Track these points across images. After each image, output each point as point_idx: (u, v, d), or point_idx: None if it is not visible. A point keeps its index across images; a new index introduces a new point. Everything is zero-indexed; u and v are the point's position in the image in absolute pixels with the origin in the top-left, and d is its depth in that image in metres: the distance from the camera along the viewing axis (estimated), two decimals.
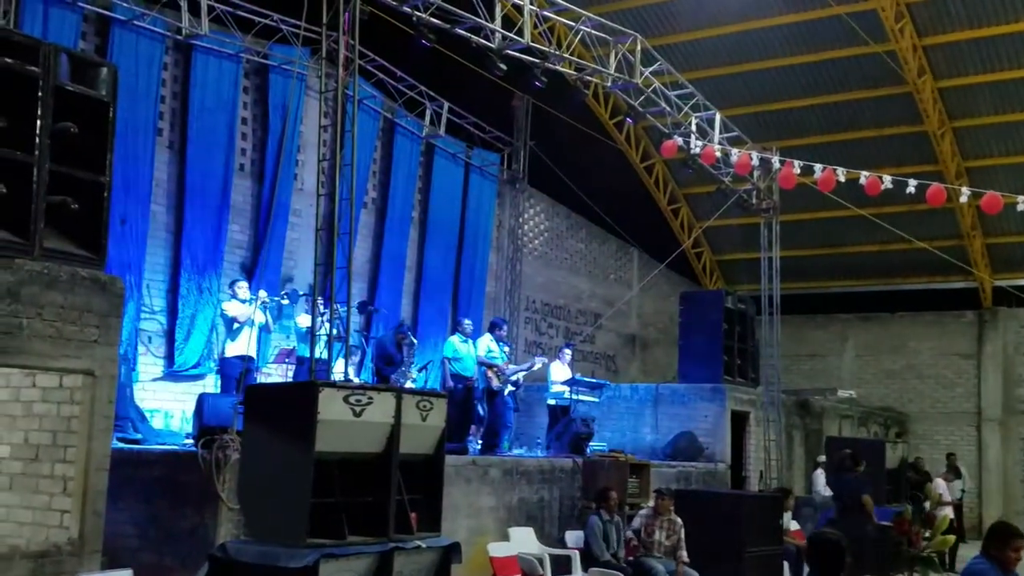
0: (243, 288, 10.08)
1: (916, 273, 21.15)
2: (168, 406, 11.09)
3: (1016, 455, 20.73)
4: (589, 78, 12.75)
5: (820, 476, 15.66)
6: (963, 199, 10.92)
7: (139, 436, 9.46)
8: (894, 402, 21.32)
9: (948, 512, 14.88)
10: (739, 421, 15.30)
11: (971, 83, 17.48)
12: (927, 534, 10.92)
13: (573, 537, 9.78)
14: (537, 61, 11.78)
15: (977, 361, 21.25)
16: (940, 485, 14.98)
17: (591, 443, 12.87)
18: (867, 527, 11.33)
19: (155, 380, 11.37)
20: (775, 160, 11.84)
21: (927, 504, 12.29)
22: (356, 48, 8.94)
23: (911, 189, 10.63)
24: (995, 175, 17.22)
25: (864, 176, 10.93)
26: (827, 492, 14.68)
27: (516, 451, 12.84)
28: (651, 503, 10.14)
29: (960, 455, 18.90)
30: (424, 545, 6.35)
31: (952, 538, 12.05)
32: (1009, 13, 16.07)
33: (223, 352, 10.11)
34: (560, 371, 13.69)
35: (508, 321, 14.62)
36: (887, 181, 10.73)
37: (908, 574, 10.63)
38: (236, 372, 9.69)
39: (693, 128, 13.54)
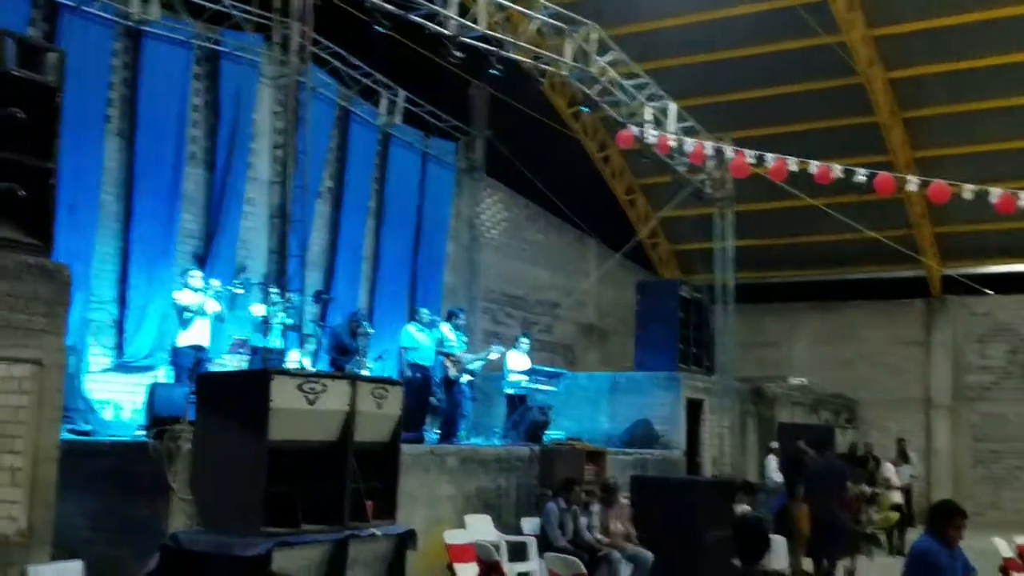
0: (195, 277, 9.94)
1: (867, 262, 21.52)
2: (119, 397, 10.92)
3: (965, 441, 21.21)
4: (545, 67, 12.77)
5: (772, 462, 15.86)
6: (911, 188, 11.10)
7: (89, 427, 9.31)
8: (845, 389, 21.68)
9: (896, 495, 15.24)
10: (694, 409, 15.48)
11: (921, 74, 17.79)
12: (874, 512, 11.19)
13: (530, 524, 9.83)
14: (493, 49, 11.76)
15: (926, 348, 21.71)
16: (889, 470, 15.30)
17: (548, 432, 12.94)
18: (838, 512, 11.62)
19: (105, 371, 11.20)
20: (728, 150, 11.95)
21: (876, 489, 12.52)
22: (309, 35, 8.84)
23: (861, 178, 10.80)
24: (944, 165, 17.49)
25: (815, 166, 11.07)
26: (779, 478, 14.89)
27: (474, 440, 12.86)
28: (599, 495, 10.25)
29: (909, 441, 19.29)
30: (379, 533, 6.34)
31: (896, 515, 12.35)
32: (958, 4, 16.37)
33: (175, 342, 9.97)
34: (518, 361, 13.72)
35: (466, 311, 14.60)
36: (837, 170, 10.89)
37: (854, 555, 10.84)
38: (189, 362, 9.57)
39: (648, 118, 13.62)
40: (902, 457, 17.36)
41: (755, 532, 4.90)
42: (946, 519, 5.62)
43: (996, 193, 10.37)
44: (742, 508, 9.80)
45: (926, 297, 21.86)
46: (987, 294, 19.74)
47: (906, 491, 16.20)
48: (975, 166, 17.23)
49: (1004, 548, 10.31)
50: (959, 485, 20.06)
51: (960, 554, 5.68)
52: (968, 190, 10.51)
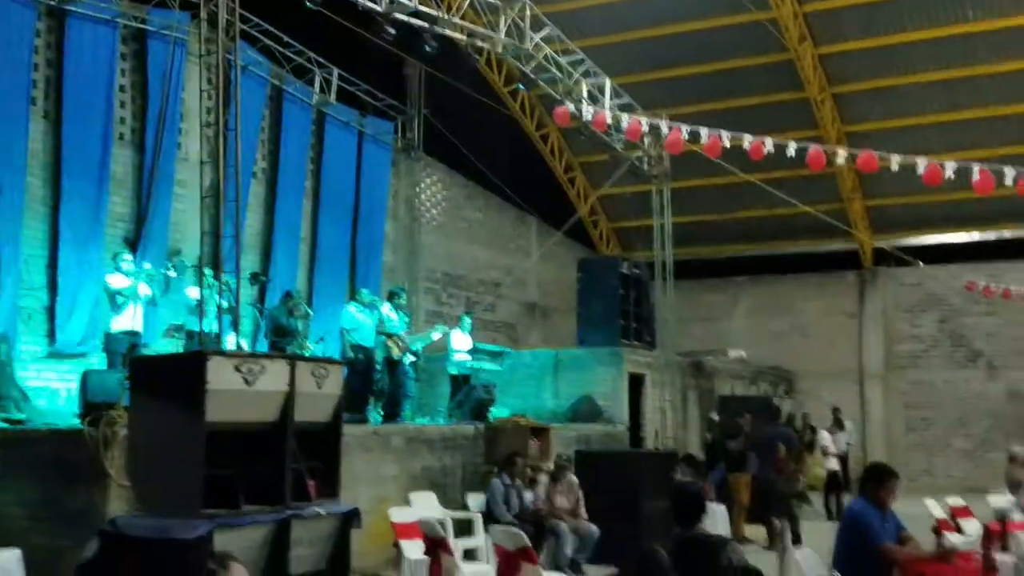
0: (127, 261, 9.73)
1: (802, 236, 21.90)
2: (53, 385, 10.69)
3: (897, 409, 21.79)
4: (480, 44, 12.71)
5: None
6: (841, 161, 11.31)
7: (23, 416, 9.09)
8: (783, 361, 22.08)
9: (832, 462, 15.63)
10: (636, 383, 15.66)
11: (850, 49, 18.10)
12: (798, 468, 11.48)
13: (476, 500, 9.88)
14: (426, 25, 11.66)
15: (859, 319, 22.21)
16: (826, 438, 15.66)
17: (493, 410, 12.99)
18: (774, 476, 11.94)
19: (38, 359, 10.93)
20: (664, 126, 12.03)
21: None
22: (236, 10, 8.67)
23: (791, 152, 10.96)
24: (874, 139, 17.85)
25: (748, 141, 11.21)
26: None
27: (419, 420, 12.85)
28: (549, 467, 10.33)
29: (845, 410, 19.75)
30: (323, 512, 6.30)
31: (822, 473, 12.73)
32: None
33: (108, 328, 9.76)
34: (461, 340, 13.74)
35: (407, 291, 14.56)
36: (769, 145, 11.04)
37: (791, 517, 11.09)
38: (122, 348, 9.38)
39: (584, 95, 13.65)
40: (837, 425, 17.76)
41: (691, 497, 4.98)
42: (878, 481, 5.78)
43: (923, 164, 10.60)
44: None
45: (858, 269, 22.35)
46: (917, 265, 20.24)
47: (842, 458, 16.60)
48: (904, 139, 17.58)
49: (936, 510, 10.64)
50: (893, 452, 20.59)
51: (892, 515, 5.84)
52: (895, 161, 10.72)
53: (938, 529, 9.58)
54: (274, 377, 6.04)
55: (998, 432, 20.11)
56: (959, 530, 9.42)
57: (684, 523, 4.91)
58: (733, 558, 4.46)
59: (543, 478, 10.13)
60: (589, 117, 12.59)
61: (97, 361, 10.66)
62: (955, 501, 10.78)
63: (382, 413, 12.17)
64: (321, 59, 14.87)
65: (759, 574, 3.23)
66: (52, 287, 11.21)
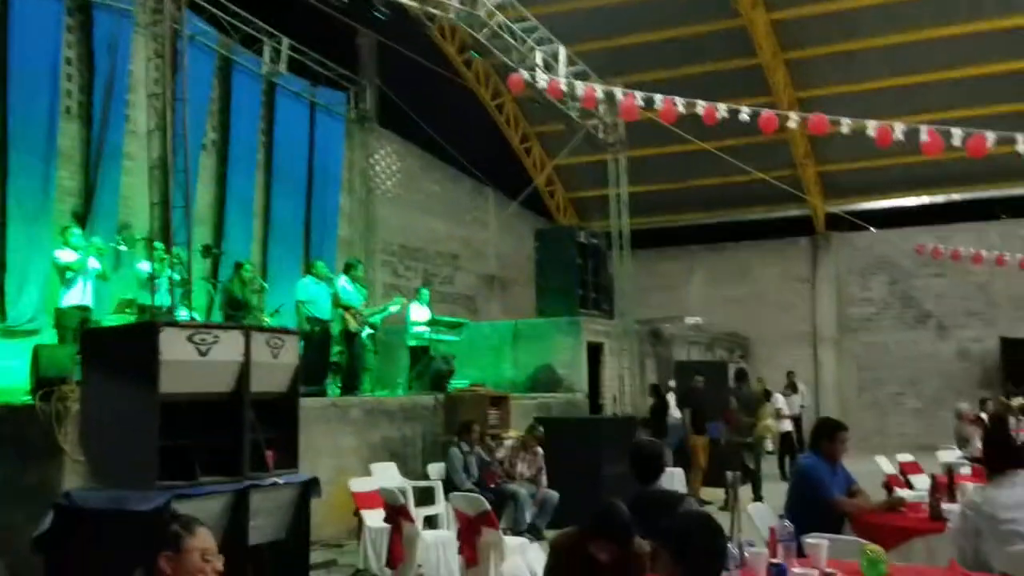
0: (76, 235, 9.55)
1: (756, 203, 22.15)
2: (4, 363, 10.48)
3: (850, 371, 22.22)
4: (432, 11, 12.58)
5: (671, 400, 16.32)
6: (793, 124, 11.42)
7: None
8: (739, 327, 22.39)
9: (787, 424, 15.92)
10: (595, 352, 15.77)
11: (802, 15, 18.22)
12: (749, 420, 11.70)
13: (436, 469, 9.91)
14: None
15: (812, 284, 22.55)
16: (780, 400, 15.93)
17: (453, 381, 13.01)
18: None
19: None
20: (619, 92, 12.04)
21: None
22: None
23: (744, 116, 11.04)
24: (826, 104, 17.92)
25: (701, 106, 11.27)
26: (678, 415, 15.36)
27: (378, 393, 12.83)
28: (512, 435, 10.40)
29: (799, 373, 20.09)
30: (281, 482, 6.30)
31: (773, 424, 13.00)
32: None
33: (59, 303, 9.60)
34: (419, 312, 13.71)
35: (363, 263, 14.48)
36: (722, 110, 11.10)
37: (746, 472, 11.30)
38: (73, 323, 9.23)
39: (539, 62, 13.60)
40: (791, 388, 18.10)
41: (649, 454, 5.07)
42: (828, 435, 5.90)
43: (873, 126, 10.74)
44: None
45: (811, 235, 22.66)
46: (868, 229, 20.58)
47: (796, 420, 16.93)
48: (855, 104, 17.70)
49: (887, 466, 10.89)
50: (846, 413, 20.97)
51: (842, 469, 5.97)
52: (846, 124, 10.86)
53: (888, 484, 9.84)
54: (228, 347, 6.00)
55: (948, 391, 20.59)
56: (909, 485, 9.65)
57: (643, 480, 4.99)
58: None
59: (508, 442, 10.20)
60: (544, 85, 12.55)
61: (48, 337, 10.49)
62: (905, 457, 11.05)
63: (340, 387, 12.13)
64: (271, 29, 14.63)
65: (713, 523, 3.29)
66: (1, 264, 10.98)
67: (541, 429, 10.13)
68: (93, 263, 9.51)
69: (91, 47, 12.06)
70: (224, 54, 14.14)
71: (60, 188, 11.57)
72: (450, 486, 9.34)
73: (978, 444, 10.70)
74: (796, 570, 3.70)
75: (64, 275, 9.40)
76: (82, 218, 11.50)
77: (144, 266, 9.84)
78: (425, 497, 9.50)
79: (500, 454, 9.99)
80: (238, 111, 14.29)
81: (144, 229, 11.11)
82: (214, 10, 13.67)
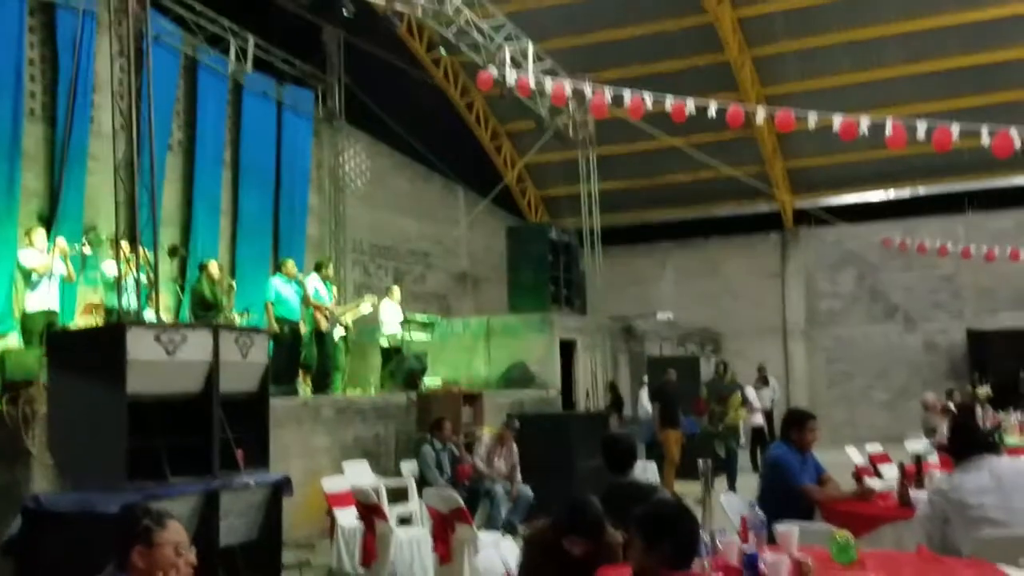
0: (40, 236, 9.43)
1: (725, 199, 22.31)
2: None
3: (819, 364, 22.42)
4: (399, 8, 12.54)
5: (644, 394, 16.41)
6: (759, 119, 11.52)
7: None
8: (710, 322, 22.51)
9: (758, 417, 16.05)
10: (567, 348, 15.80)
11: (767, 11, 18.33)
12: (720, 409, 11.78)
13: (408, 467, 9.89)
14: None
15: (782, 279, 22.73)
16: (751, 394, 16.03)
17: (425, 379, 12.99)
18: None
19: None
20: (587, 89, 12.08)
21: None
22: None
23: (712, 112, 11.12)
24: (793, 100, 18.12)
25: (670, 102, 11.33)
26: (651, 409, 15.45)
27: (350, 392, 12.78)
28: (486, 432, 10.38)
29: (770, 367, 20.23)
30: (252, 482, 6.27)
31: (744, 412, 13.11)
32: None
33: (23, 306, 9.47)
34: (391, 311, 13.67)
35: (334, 262, 14.41)
36: (690, 106, 11.17)
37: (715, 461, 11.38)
38: (39, 326, 9.11)
39: (507, 59, 13.61)
40: (762, 382, 18.22)
41: (622, 445, 5.09)
42: (797, 423, 5.96)
43: (838, 120, 10.86)
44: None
45: (780, 230, 22.84)
46: (836, 224, 20.77)
47: (767, 413, 17.05)
48: (821, 100, 17.89)
49: (857, 457, 11.00)
50: (816, 406, 21.11)
51: (812, 458, 6.03)
52: (812, 118, 10.97)
53: (857, 474, 9.94)
54: (196, 347, 5.97)
55: (916, 382, 20.84)
56: (878, 475, 9.75)
57: (615, 470, 5.01)
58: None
59: (485, 439, 10.17)
60: (512, 82, 12.56)
61: (14, 341, 10.35)
62: (874, 448, 11.16)
63: (311, 387, 12.07)
64: (236, 27, 14.51)
65: (686, 510, 3.31)
66: None
67: (517, 423, 10.13)
68: (59, 266, 9.39)
69: (55, 47, 11.90)
70: (189, 54, 14.00)
71: (25, 189, 11.41)
72: (423, 484, 9.32)
73: (945, 433, 10.84)
74: (767, 556, 3.72)
75: (29, 278, 9.28)
76: (47, 220, 11.34)
77: (110, 267, 9.74)
78: (400, 496, 9.46)
79: (480, 451, 9.94)
80: (204, 110, 14.16)
81: (109, 230, 11.00)
82: (179, 9, 13.56)
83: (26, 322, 9.36)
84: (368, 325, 14.17)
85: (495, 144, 21.93)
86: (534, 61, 14.29)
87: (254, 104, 15.18)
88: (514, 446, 9.99)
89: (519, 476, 9.85)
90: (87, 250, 10.08)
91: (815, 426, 5.95)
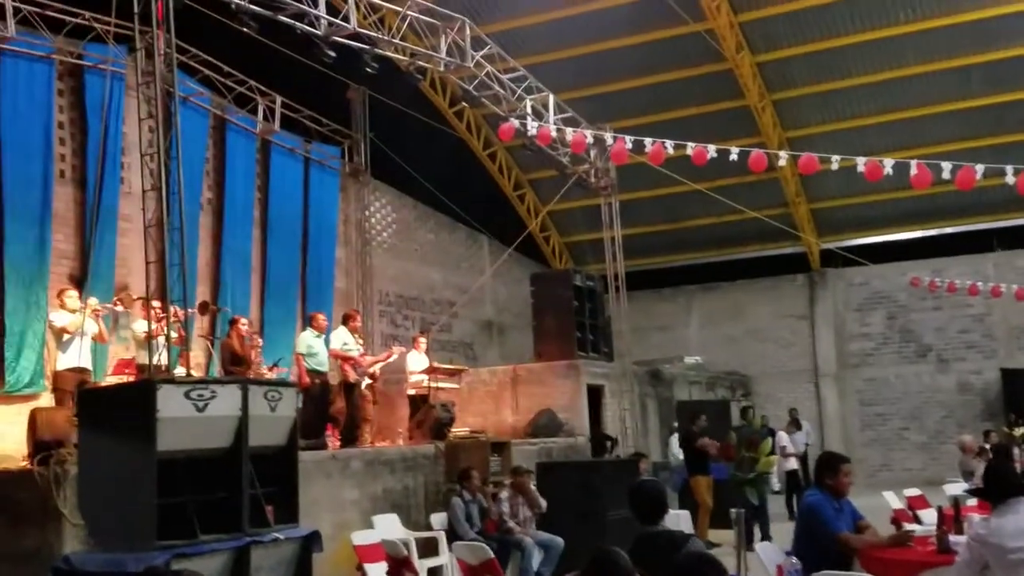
0: (72, 297, 9.56)
1: (750, 242, 22.28)
2: (1, 428, 10.44)
3: (852, 406, 22.14)
4: (422, 64, 12.77)
5: (675, 441, 16.26)
6: (782, 163, 11.53)
7: None
8: (739, 365, 22.36)
9: (792, 462, 15.83)
10: (595, 394, 15.70)
11: (786, 56, 18.46)
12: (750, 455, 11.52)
13: (438, 519, 9.83)
14: (367, 47, 11.69)
15: (810, 321, 22.56)
16: (783, 438, 15.84)
17: (453, 428, 12.94)
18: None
19: None
20: (608, 136, 12.17)
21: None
22: (173, 41, 8.62)
23: (733, 156, 11.15)
24: (815, 143, 18.22)
25: (691, 147, 11.38)
26: (682, 456, 15.27)
27: (378, 444, 12.75)
28: (508, 482, 10.31)
29: (802, 411, 20.00)
30: (282, 537, 6.26)
31: (775, 458, 12.83)
32: None
33: (55, 366, 9.58)
34: (418, 360, 13.69)
35: (361, 314, 14.48)
36: (711, 151, 11.21)
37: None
38: (71, 385, 9.20)
39: (528, 110, 13.76)
40: (794, 426, 18.02)
41: (651, 494, 5.01)
42: (831, 468, 5.87)
43: (862, 162, 10.84)
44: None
45: (807, 272, 22.72)
46: (863, 264, 20.65)
47: (801, 458, 16.82)
48: (844, 141, 17.98)
49: (894, 501, 10.82)
50: (850, 449, 20.85)
51: (848, 503, 5.93)
52: (835, 161, 10.97)
53: (895, 519, 9.78)
54: (226, 402, 6.00)
55: (951, 423, 20.54)
56: (916, 520, 9.57)
57: (645, 520, 4.93)
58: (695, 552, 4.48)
59: (503, 495, 10.10)
60: (534, 132, 12.69)
61: (45, 401, 10.46)
62: (911, 492, 10.98)
63: (340, 438, 12.06)
64: (263, 87, 14.82)
65: (716, 563, 3.26)
66: None
67: (524, 466, 10.06)
68: (90, 325, 9.51)
69: (84, 110, 12.19)
70: (218, 114, 14.29)
71: (56, 251, 11.63)
72: (453, 536, 9.26)
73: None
74: None
75: (61, 338, 9.39)
76: (79, 280, 11.53)
77: (141, 326, 9.85)
78: (430, 548, 9.40)
79: (504, 508, 9.85)
80: (233, 169, 14.40)
81: (140, 289, 11.15)
82: (206, 71, 13.86)
83: (58, 381, 9.45)
84: (395, 375, 14.18)
85: (518, 193, 22.09)
86: (555, 111, 14.44)
87: (282, 162, 15.43)
88: (532, 488, 9.90)
89: (543, 503, 9.77)
90: (119, 309, 10.20)
91: (849, 470, 5.86)
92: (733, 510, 5.43)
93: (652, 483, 5.23)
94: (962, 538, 5.28)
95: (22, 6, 11.34)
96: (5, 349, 10.99)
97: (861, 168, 11.04)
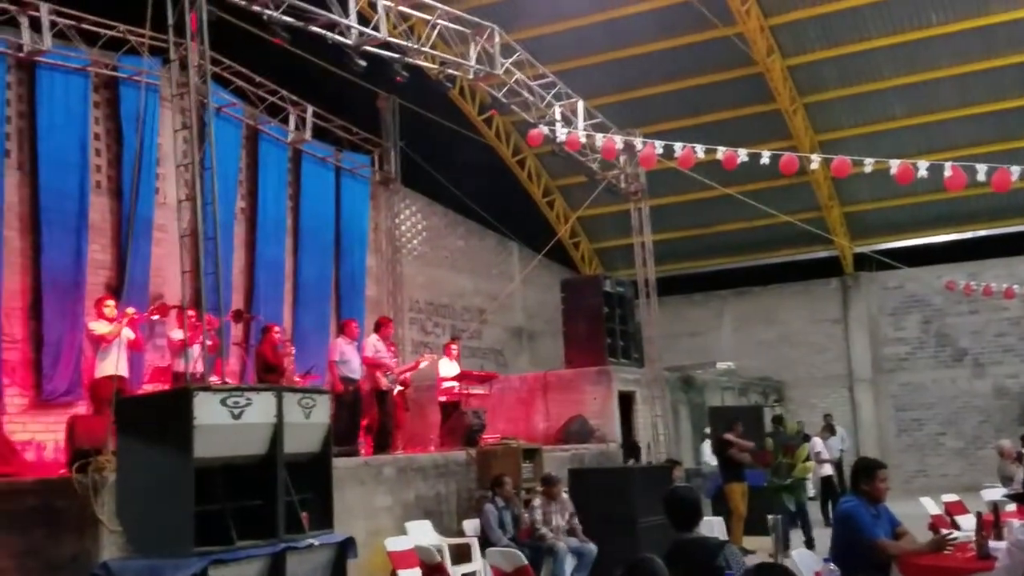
0: (109, 306, 9.69)
1: (782, 246, 22.11)
2: (40, 437, 10.60)
3: (887, 412, 21.87)
4: (452, 72, 12.82)
5: (707, 447, 16.16)
6: (814, 166, 11.44)
7: (11, 470, 9.00)
8: (771, 371, 22.18)
9: (827, 468, 15.67)
10: (626, 401, 15.65)
11: (817, 59, 18.33)
12: (787, 461, 11.44)
13: (471, 526, 9.84)
14: (397, 56, 11.77)
15: (844, 325, 22.33)
16: (818, 443, 15.69)
17: (484, 435, 12.96)
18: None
19: (24, 411, 10.86)
20: (637, 141, 12.15)
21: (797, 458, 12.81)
22: (207, 52, 8.73)
23: (765, 160, 11.07)
24: (847, 146, 18.03)
25: (721, 152, 11.32)
26: (714, 462, 15.17)
27: (410, 451, 12.80)
28: (540, 489, 10.30)
29: (836, 416, 19.80)
30: (317, 543, 6.31)
31: (812, 464, 12.72)
32: None
33: (93, 374, 9.71)
34: (449, 367, 13.73)
35: (392, 321, 14.55)
36: (742, 155, 11.15)
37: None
38: (108, 393, 9.31)
39: (557, 116, 13.77)
40: (828, 431, 17.85)
41: (687, 501, 4.99)
42: (868, 474, 5.81)
43: (895, 164, 10.74)
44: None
45: (840, 275, 22.51)
46: (897, 268, 20.43)
47: (837, 464, 16.64)
48: (877, 144, 17.81)
49: (932, 507, 10.69)
50: (886, 455, 20.60)
51: (885, 509, 5.86)
52: (868, 164, 10.87)
53: (933, 526, 9.66)
54: (261, 409, 6.06)
55: (988, 428, 20.24)
56: (955, 525, 9.45)
57: (680, 527, 4.89)
58: (730, 560, 4.46)
59: (536, 502, 10.10)
60: (563, 138, 12.69)
61: (83, 409, 10.61)
62: (949, 498, 10.84)
63: (373, 445, 12.12)
64: (295, 97, 14.97)
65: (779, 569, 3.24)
66: (36, 339, 11.15)
67: (553, 474, 10.04)
68: (127, 333, 9.64)
69: (119, 122, 12.37)
70: (250, 124, 14.45)
71: (92, 261, 11.79)
72: (486, 542, 9.26)
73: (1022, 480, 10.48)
74: None
75: (98, 346, 9.52)
76: (115, 289, 11.68)
77: (176, 334, 9.97)
78: (463, 555, 9.41)
79: (537, 515, 9.82)
80: (266, 178, 14.55)
81: (175, 298, 11.30)
82: (239, 82, 14.02)
83: (95, 390, 9.57)
84: (426, 382, 14.22)
85: (547, 199, 22.09)
86: (584, 117, 14.43)
87: (313, 171, 15.56)
88: (564, 495, 9.89)
89: (578, 524, 9.74)
90: (155, 317, 10.33)
91: (886, 475, 5.80)
92: (770, 516, 5.38)
93: (687, 489, 5.20)
94: (1002, 544, 5.20)
95: (58, 19, 11.55)
96: (43, 358, 11.15)
97: (895, 171, 10.94)
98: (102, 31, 12.09)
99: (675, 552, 4.53)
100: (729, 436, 12.35)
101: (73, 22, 11.75)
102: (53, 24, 11.49)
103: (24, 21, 11.21)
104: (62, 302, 11.29)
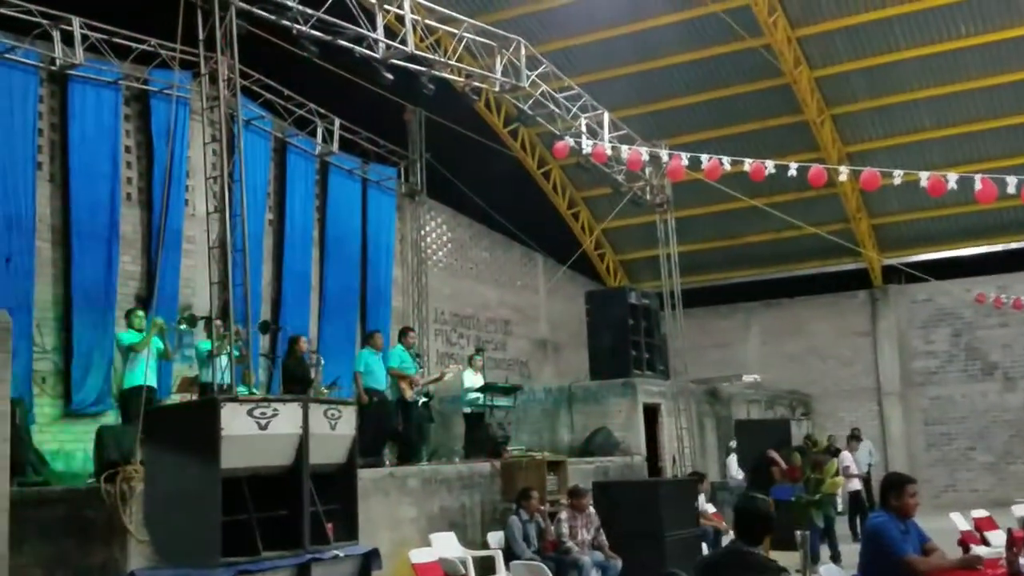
0: (139, 316, 9.80)
1: (809, 258, 21.94)
2: (69, 446, 10.72)
3: (917, 426, 21.61)
4: (477, 84, 12.88)
5: (733, 461, 16.03)
6: (842, 178, 11.35)
7: (41, 479, 9.10)
8: (799, 383, 21.97)
9: (855, 483, 15.49)
10: (651, 413, 15.58)
11: (844, 70, 18.23)
12: (816, 476, 11.30)
13: (495, 538, 9.82)
14: (423, 69, 11.85)
15: (873, 338, 22.11)
16: (847, 458, 15.51)
17: (509, 447, 12.94)
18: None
19: (54, 421, 10.99)
20: (664, 153, 12.13)
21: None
22: (236, 66, 8.83)
23: (792, 172, 10.99)
24: (876, 157, 17.91)
25: (748, 163, 11.26)
26: (740, 476, 15.06)
27: (434, 462, 12.81)
28: (565, 501, 10.25)
29: (865, 430, 19.58)
30: (342, 554, 6.33)
31: (841, 479, 12.58)
32: (873, 0, 16.85)
33: (122, 384, 9.81)
34: (473, 378, 13.73)
35: (417, 332, 14.61)
36: (770, 166, 11.07)
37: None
38: (137, 403, 9.39)
39: (583, 128, 13.78)
40: (855, 440, 17.65)
41: (756, 513, 4.76)
42: (897, 489, 5.73)
43: (925, 177, 10.63)
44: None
45: (869, 288, 22.31)
46: (926, 280, 20.22)
47: (865, 479, 16.45)
48: (906, 156, 17.70)
49: (961, 522, 10.54)
50: (915, 469, 20.34)
51: (914, 525, 5.79)
52: (898, 176, 10.76)
53: (963, 542, 9.53)
54: (287, 420, 6.09)
55: (1019, 443, 19.95)
56: (985, 541, 9.32)
57: (749, 541, 4.64)
58: None
59: (563, 515, 10.06)
60: (589, 150, 12.69)
61: (112, 419, 10.72)
62: (979, 514, 10.69)
63: (397, 455, 12.14)
64: (322, 110, 15.11)
65: None
66: (66, 349, 11.30)
67: (580, 485, 9.99)
68: (156, 344, 9.73)
69: (150, 135, 12.55)
70: (279, 136, 14.60)
71: (123, 272, 11.96)
72: (510, 555, 9.24)
73: None
74: None
75: (127, 356, 9.62)
76: (145, 300, 11.82)
77: (205, 344, 10.05)
78: (487, 567, 9.40)
79: (563, 528, 9.78)
80: (293, 190, 14.70)
81: (204, 309, 11.40)
82: (268, 95, 14.17)
83: (125, 400, 9.66)
84: (451, 394, 14.25)
85: (572, 211, 22.09)
86: (610, 129, 14.44)
87: (340, 183, 15.69)
88: (590, 509, 9.83)
89: (604, 539, 9.69)
90: (184, 328, 10.43)
91: (915, 490, 5.72)
92: (798, 531, 5.31)
93: (758, 500, 4.95)
94: None
95: (90, 33, 11.75)
96: (73, 368, 11.29)
97: (924, 183, 10.82)
98: (133, 45, 12.28)
99: (733, 562, 4.43)
100: (774, 454, 12.30)
101: (105, 36, 11.94)
102: (85, 38, 11.69)
103: (57, 35, 11.42)
104: (92, 313, 11.44)
